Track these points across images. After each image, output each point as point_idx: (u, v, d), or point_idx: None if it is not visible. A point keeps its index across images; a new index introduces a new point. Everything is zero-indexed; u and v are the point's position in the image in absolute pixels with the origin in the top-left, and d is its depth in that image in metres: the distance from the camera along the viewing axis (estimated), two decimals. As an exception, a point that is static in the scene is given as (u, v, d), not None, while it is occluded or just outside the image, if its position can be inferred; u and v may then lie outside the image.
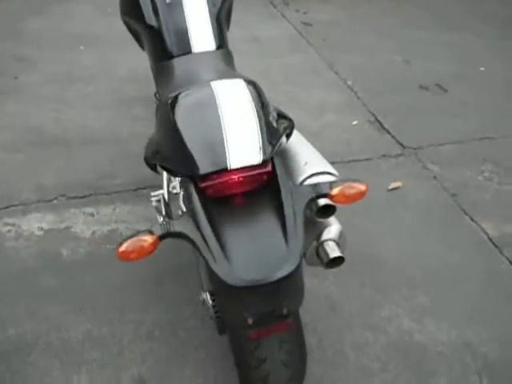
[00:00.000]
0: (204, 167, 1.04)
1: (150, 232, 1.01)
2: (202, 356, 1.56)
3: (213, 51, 1.49)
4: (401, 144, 2.59)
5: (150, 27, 1.53)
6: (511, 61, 3.49)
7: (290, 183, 1.08)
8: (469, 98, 3.02)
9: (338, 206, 1.11)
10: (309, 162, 1.16)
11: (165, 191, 1.51)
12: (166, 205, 1.52)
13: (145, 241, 0.99)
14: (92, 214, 2.02)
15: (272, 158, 1.09)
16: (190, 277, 1.75)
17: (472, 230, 2.14)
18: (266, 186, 1.08)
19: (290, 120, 1.21)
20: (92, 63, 3.01)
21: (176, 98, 1.15)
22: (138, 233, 1.01)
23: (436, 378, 1.56)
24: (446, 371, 1.57)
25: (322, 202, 1.07)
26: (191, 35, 1.48)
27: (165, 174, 1.49)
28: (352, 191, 1.04)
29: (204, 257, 0.97)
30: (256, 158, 1.04)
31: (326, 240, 1.12)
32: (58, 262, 1.81)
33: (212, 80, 1.20)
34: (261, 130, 1.07)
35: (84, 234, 1.94)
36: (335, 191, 1.04)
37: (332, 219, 1.15)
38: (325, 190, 1.04)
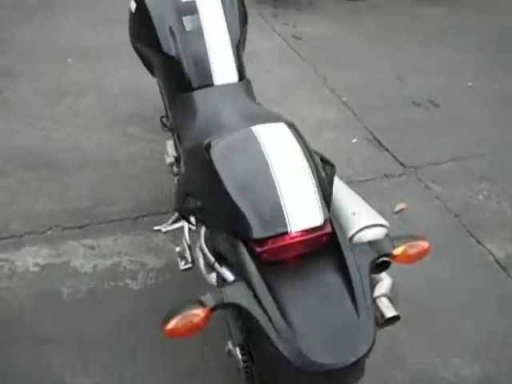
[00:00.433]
0: (261, 231, 0.89)
1: (201, 303, 0.86)
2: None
3: (235, 83, 1.33)
4: (401, 163, 2.49)
5: (167, 56, 1.35)
6: (495, 74, 3.45)
7: (349, 243, 0.94)
8: (460, 114, 2.95)
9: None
10: (356, 211, 1.03)
11: (187, 236, 1.34)
12: (190, 249, 1.35)
13: (196, 315, 0.84)
14: (92, 247, 1.83)
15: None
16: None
17: (478, 251, 2.05)
18: (324, 246, 0.95)
19: (331, 164, 1.07)
20: (82, 77, 2.78)
21: (215, 145, 0.99)
22: (186, 304, 0.86)
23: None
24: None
25: (380, 259, 0.95)
26: (213, 66, 1.32)
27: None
28: (415, 250, 0.93)
29: (266, 332, 0.82)
30: (317, 219, 0.91)
31: (379, 296, 0.99)
32: (58, 302, 1.62)
33: (246, 121, 1.06)
34: (317, 186, 0.93)
35: (84, 268, 1.74)
36: (398, 251, 0.92)
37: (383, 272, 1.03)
38: (387, 250, 0.92)
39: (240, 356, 1.09)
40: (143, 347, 1.51)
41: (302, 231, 0.89)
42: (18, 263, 1.73)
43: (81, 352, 1.48)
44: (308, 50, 3.44)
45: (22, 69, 2.80)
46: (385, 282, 1.00)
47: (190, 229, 1.33)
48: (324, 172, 1.01)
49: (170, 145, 1.71)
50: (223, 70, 1.33)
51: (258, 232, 0.88)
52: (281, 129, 1.02)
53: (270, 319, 0.82)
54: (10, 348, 1.47)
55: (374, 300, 1.00)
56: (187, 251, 1.30)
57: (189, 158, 1.11)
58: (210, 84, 1.32)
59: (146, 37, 1.42)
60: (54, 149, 2.27)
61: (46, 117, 2.47)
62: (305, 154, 0.98)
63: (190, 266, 1.32)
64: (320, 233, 0.90)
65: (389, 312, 0.97)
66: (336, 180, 1.14)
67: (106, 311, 1.61)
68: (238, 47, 1.39)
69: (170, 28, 1.35)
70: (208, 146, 0.99)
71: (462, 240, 2.10)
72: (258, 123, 1.07)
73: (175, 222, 1.85)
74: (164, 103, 1.68)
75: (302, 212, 0.90)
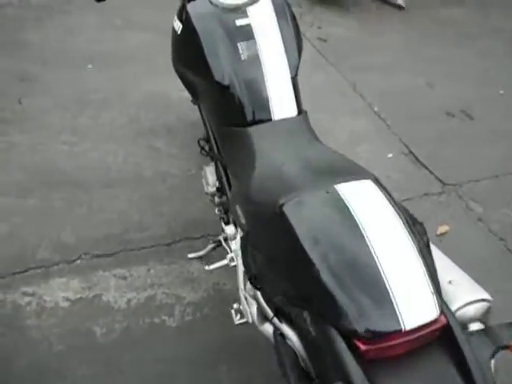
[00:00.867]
0: (368, 328, 0.74)
1: None
2: None
3: (294, 117, 1.17)
4: (440, 180, 2.33)
5: (220, 86, 1.18)
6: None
7: (464, 333, 0.79)
8: (495, 125, 2.77)
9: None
10: (453, 280, 0.88)
11: (242, 286, 1.17)
12: (246, 301, 1.19)
13: None
14: (124, 277, 1.68)
15: None
16: (251, 358, 1.46)
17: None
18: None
19: (421, 224, 0.92)
20: (103, 85, 2.61)
21: (293, 208, 0.83)
22: None
23: None
24: None
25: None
26: (271, 99, 1.15)
27: (241, 271, 1.15)
28: None
29: None
30: (433, 311, 0.76)
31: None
32: (92, 343, 1.48)
33: (319, 173, 0.91)
34: (424, 265, 0.78)
35: (118, 303, 1.60)
36: None
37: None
38: (507, 341, 0.77)
39: None
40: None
41: (416, 327, 0.75)
42: (47, 298, 1.58)
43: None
44: (335, 54, 3.25)
45: (40, 75, 2.62)
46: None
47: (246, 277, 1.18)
48: (423, 239, 0.86)
49: (210, 172, 1.54)
50: (282, 104, 1.16)
51: (363, 328, 0.73)
52: (368, 187, 0.87)
53: None
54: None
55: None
56: (245, 306, 1.15)
57: (257, 217, 0.95)
58: (268, 119, 1.16)
59: (194, 62, 1.25)
60: (78, 165, 2.11)
61: (68, 128, 2.30)
62: (402, 220, 0.82)
63: (245, 320, 1.17)
64: (435, 327, 0.75)
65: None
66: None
67: (144, 353, 1.47)
68: (296, 77, 1.23)
69: (224, 54, 1.18)
70: (284, 209, 0.84)
71: (508, 266, 1.96)
72: (333, 175, 0.91)
73: (213, 249, 1.71)
74: (206, 128, 1.52)
75: (415, 304, 0.74)
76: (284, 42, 1.21)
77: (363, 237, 0.78)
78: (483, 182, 2.37)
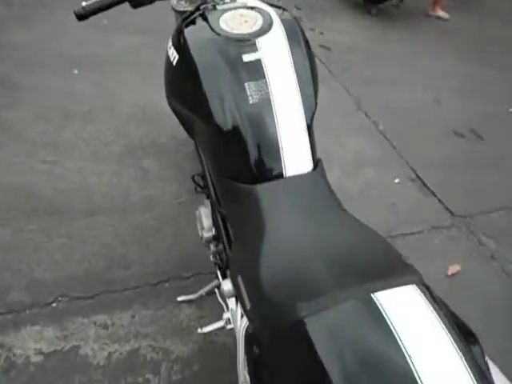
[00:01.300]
0: None
1: None
2: None
3: (309, 174, 0.98)
4: (450, 211, 2.16)
5: (222, 132, 0.98)
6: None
7: None
8: (506, 149, 2.61)
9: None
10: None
11: (241, 369, 0.99)
12: None
13: None
14: (105, 326, 1.49)
15: None
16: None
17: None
18: None
19: (472, 333, 0.75)
20: (89, 93, 2.39)
21: (317, 323, 0.65)
22: None
23: None
24: None
25: None
26: (284, 152, 0.95)
27: (241, 350, 0.97)
28: None
29: None
30: None
31: None
32: (65, 409, 1.30)
33: (346, 269, 0.73)
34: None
35: (97, 358, 1.41)
36: None
37: None
38: None
39: None
40: None
41: None
42: (17, 350, 1.39)
43: None
44: (338, 65, 3.06)
45: (20, 82, 2.40)
46: None
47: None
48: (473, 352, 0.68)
49: (205, 215, 1.34)
50: (296, 157, 0.97)
51: None
52: (413, 296, 0.69)
53: None
54: None
55: None
56: None
57: (267, 318, 0.76)
58: (279, 175, 0.98)
59: (193, 101, 1.04)
60: (58, 187, 1.91)
61: (49, 144, 2.09)
62: (455, 340, 0.65)
63: None
64: None
65: None
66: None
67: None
68: (312, 124, 1.04)
69: (228, 96, 0.97)
70: (306, 323, 0.66)
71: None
72: (368, 275, 0.72)
73: (208, 294, 1.53)
74: (202, 165, 1.33)
75: None
76: (299, 83, 1.01)
77: (412, 371, 0.61)
78: (495, 213, 2.21)
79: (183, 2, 1.31)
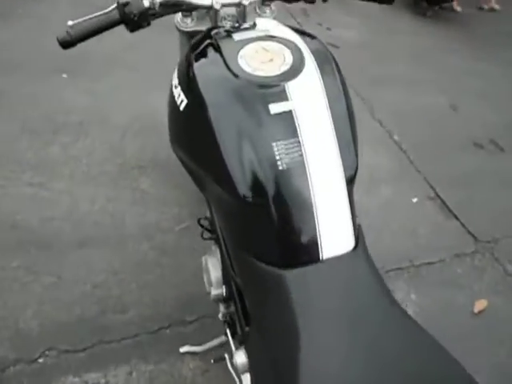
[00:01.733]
0: None
1: None
2: None
3: (351, 254, 0.79)
4: (472, 235, 1.98)
5: (243, 202, 0.78)
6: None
7: None
8: (528, 160, 2.44)
9: None
10: None
11: None
12: None
13: None
14: (98, 386, 1.32)
15: None
16: None
17: None
18: None
19: None
20: (80, 102, 2.16)
21: None
22: None
23: None
24: None
25: None
26: (321, 231, 0.75)
27: None
28: None
29: None
30: None
31: None
32: None
33: None
34: None
35: (89, 427, 1.25)
36: None
37: None
38: None
39: None
40: None
41: None
42: (-3, 422, 1.23)
43: None
44: (349, 64, 2.82)
45: (4, 88, 2.15)
46: None
47: None
48: None
49: (212, 264, 1.14)
50: (335, 236, 0.77)
51: None
52: None
53: None
54: None
55: None
56: None
57: None
58: (314, 258, 0.78)
59: (205, 158, 0.83)
60: (45, 216, 1.70)
61: (35, 163, 1.87)
62: None
63: None
64: None
65: None
66: None
67: None
68: (352, 189, 0.84)
69: (251, 158, 0.76)
70: None
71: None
72: None
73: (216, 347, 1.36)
74: (210, 208, 1.13)
75: None
76: (339, 139, 0.79)
77: None
78: (520, 237, 2.04)
79: (189, 21, 1.08)
